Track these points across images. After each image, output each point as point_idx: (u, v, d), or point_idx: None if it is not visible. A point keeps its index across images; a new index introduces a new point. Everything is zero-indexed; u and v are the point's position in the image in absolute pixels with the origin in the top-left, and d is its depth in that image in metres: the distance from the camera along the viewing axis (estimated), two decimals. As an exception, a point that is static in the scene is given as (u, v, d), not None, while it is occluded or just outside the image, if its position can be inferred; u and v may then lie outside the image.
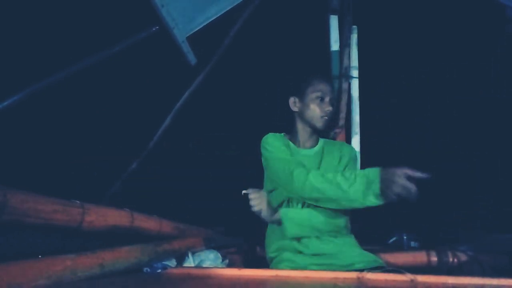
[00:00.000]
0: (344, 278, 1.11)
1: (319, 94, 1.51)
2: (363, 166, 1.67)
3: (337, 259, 1.38)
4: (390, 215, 2.29)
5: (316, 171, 1.39)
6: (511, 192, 2.05)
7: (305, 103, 1.54)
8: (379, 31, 2.32)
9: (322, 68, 2.19)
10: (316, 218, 1.42)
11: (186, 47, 2.06)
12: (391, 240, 2.02)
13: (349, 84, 2.09)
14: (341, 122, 2.06)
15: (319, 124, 1.53)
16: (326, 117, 1.53)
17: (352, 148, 1.66)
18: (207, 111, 2.60)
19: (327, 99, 1.53)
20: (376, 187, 1.23)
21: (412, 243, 1.94)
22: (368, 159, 1.99)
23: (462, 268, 1.61)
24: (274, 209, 1.46)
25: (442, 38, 2.42)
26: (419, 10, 2.37)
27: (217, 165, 2.63)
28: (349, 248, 1.43)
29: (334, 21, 2.17)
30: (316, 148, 1.61)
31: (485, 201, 2.19)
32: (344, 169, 1.54)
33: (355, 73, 2.12)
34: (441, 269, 1.65)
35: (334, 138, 2.01)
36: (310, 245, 1.42)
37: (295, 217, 1.43)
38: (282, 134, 1.65)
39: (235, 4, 2.13)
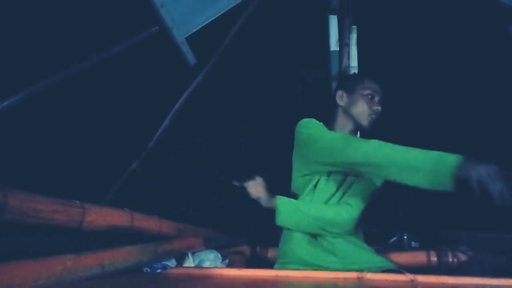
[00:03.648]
0: (344, 278, 1.11)
1: (370, 91, 1.48)
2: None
3: (352, 263, 1.35)
4: (390, 215, 2.29)
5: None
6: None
7: (354, 99, 1.50)
8: (379, 31, 2.32)
9: (322, 68, 2.19)
10: (339, 216, 1.38)
11: (185, 48, 2.06)
12: (391, 240, 2.02)
13: (349, 84, 2.08)
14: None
15: (365, 122, 1.49)
16: (373, 116, 1.49)
17: None
18: (206, 112, 2.60)
19: (377, 98, 1.49)
20: (454, 160, 1.13)
21: (413, 243, 1.94)
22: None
23: (462, 268, 1.61)
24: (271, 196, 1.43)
25: (442, 37, 2.42)
26: (419, 9, 2.37)
27: (216, 165, 2.63)
28: (361, 249, 1.42)
29: (333, 21, 2.17)
30: None
31: (485, 201, 2.18)
32: None
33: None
34: (441, 269, 1.65)
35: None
36: (331, 243, 1.39)
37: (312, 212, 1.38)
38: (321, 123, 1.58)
39: (234, 4, 2.14)
